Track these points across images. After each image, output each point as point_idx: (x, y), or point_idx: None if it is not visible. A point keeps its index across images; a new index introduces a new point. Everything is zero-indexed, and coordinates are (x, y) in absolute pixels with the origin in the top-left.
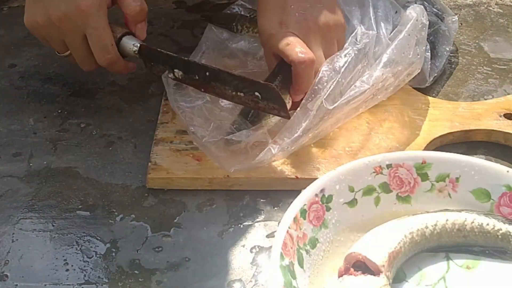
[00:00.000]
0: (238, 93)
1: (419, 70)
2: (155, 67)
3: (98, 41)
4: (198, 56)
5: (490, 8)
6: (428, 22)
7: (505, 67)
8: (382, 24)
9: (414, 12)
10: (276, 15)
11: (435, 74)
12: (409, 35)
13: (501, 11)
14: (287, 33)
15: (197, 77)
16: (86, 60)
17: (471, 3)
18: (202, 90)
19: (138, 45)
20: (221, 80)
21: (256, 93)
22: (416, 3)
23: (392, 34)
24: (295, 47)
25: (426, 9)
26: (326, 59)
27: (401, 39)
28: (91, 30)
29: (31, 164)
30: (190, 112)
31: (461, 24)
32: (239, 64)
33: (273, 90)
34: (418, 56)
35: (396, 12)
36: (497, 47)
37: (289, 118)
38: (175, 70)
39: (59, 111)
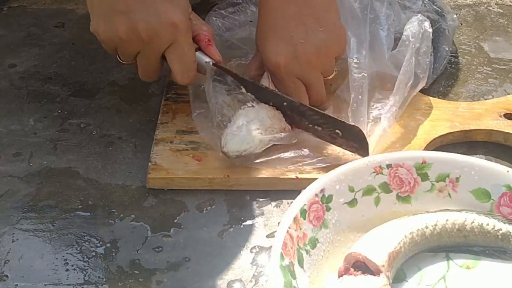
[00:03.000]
0: (316, 127)
1: (425, 83)
2: (222, 85)
3: (182, 58)
4: None
5: (490, 8)
6: (431, 30)
7: (505, 67)
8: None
9: (417, 25)
10: (279, 46)
11: (435, 75)
12: (413, 58)
13: (501, 11)
14: (291, 77)
15: (271, 104)
16: (153, 73)
17: (471, 3)
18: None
19: (211, 62)
20: (300, 112)
21: (337, 131)
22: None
23: (396, 50)
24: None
25: (426, 6)
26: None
27: (409, 64)
28: (177, 46)
29: (31, 164)
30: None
31: (461, 24)
32: (240, 54)
33: (360, 132)
34: (420, 72)
35: (390, 3)
36: (497, 47)
37: (367, 155)
38: (245, 92)
39: (59, 111)
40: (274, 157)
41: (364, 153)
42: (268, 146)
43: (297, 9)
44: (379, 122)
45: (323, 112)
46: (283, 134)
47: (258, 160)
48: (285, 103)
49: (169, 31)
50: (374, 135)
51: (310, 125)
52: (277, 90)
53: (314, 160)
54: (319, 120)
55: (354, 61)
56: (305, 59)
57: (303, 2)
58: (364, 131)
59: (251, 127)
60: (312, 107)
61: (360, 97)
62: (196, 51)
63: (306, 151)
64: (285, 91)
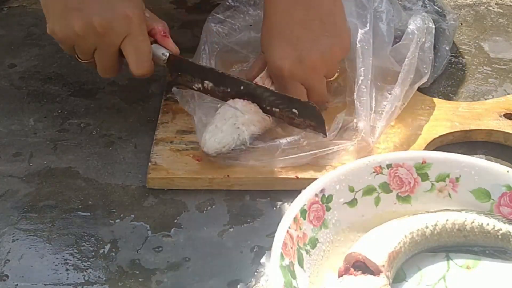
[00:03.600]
0: (273, 108)
1: (427, 78)
2: (182, 77)
3: (137, 49)
4: (201, 56)
5: (490, 8)
6: (434, 26)
7: (505, 67)
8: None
9: (420, 21)
10: (284, 51)
11: (435, 74)
12: (416, 54)
13: (501, 11)
14: (294, 82)
15: (229, 90)
16: (111, 69)
17: (471, 3)
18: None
19: (167, 54)
20: (257, 95)
21: (294, 110)
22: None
23: (399, 43)
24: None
25: (426, 7)
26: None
27: (413, 57)
28: (132, 38)
29: (31, 164)
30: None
31: (461, 24)
32: (242, 59)
33: (314, 108)
34: (425, 67)
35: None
36: (497, 47)
37: (326, 134)
38: (205, 81)
39: (59, 111)
40: (259, 147)
41: (321, 130)
42: (252, 139)
43: (304, 13)
44: (383, 115)
45: (278, 92)
46: (258, 125)
47: (247, 157)
48: (242, 87)
49: (123, 23)
50: (378, 128)
51: (268, 108)
52: (234, 75)
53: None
54: (276, 101)
55: (359, 50)
56: (309, 65)
57: (309, 6)
58: (368, 123)
59: (227, 124)
60: (268, 88)
61: (364, 89)
62: (152, 44)
63: (290, 139)
64: (286, 93)
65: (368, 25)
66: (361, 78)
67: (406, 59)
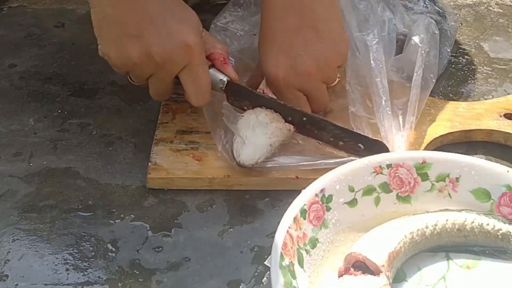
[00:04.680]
0: (339, 142)
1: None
2: (239, 102)
3: (196, 80)
4: None
5: (490, 8)
6: (438, 32)
7: (505, 67)
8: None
9: (424, 29)
10: (278, 59)
11: (437, 75)
12: (422, 67)
13: (501, 11)
14: (291, 89)
15: (290, 119)
16: (165, 93)
17: (471, 3)
18: (295, 130)
19: (226, 80)
20: (321, 127)
21: (359, 145)
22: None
23: (402, 54)
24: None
25: (427, 7)
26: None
27: (420, 73)
28: (192, 69)
29: (31, 164)
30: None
31: (461, 24)
32: (245, 68)
33: (383, 145)
34: (432, 76)
35: None
36: (497, 47)
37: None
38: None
39: (59, 111)
40: (279, 159)
41: None
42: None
43: (298, 20)
44: (403, 131)
45: (343, 127)
46: (285, 134)
47: (270, 164)
48: (304, 118)
49: (183, 54)
50: (400, 147)
51: (332, 139)
52: (295, 106)
53: (317, 162)
54: (341, 134)
55: (375, 69)
56: (303, 71)
57: (304, 14)
58: (392, 142)
59: (258, 134)
60: (332, 122)
61: (388, 111)
62: (210, 68)
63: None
64: (286, 102)
65: (376, 41)
66: (383, 98)
67: (414, 75)
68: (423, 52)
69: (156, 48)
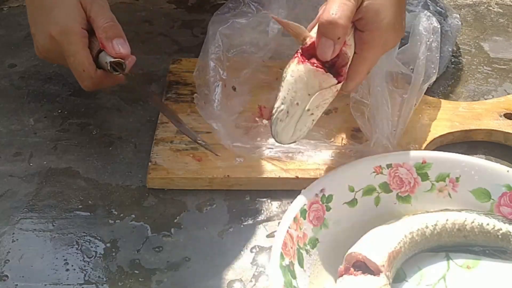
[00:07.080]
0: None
1: (435, 77)
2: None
3: (73, 65)
4: (206, 58)
5: (490, 8)
6: (439, 26)
7: (505, 67)
8: None
9: (426, 20)
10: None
11: (438, 74)
12: (425, 55)
13: (501, 11)
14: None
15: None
16: (87, 80)
17: (471, 3)
18: None
19: (109, 63)
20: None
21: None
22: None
23: (406, 46)
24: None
25: (429, 8)
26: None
27: (423, 58)
28: (66, 54)
29: (31, 164)
30: None
31: (461, 24)
32: (247, 62)
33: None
34: (433, 66)
35: None
36: (497, 47)
37: None
38: None
39: (59, 111)
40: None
41: None
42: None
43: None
44: (400, 118)
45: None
46: (329, 100)
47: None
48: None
49: (53, 44)
50: (397, 132)
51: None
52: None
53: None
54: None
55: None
56: (399, 28)
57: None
58: (389, 129)
59: (298, 111)
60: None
61: (380, 94)
62: (101, 52)
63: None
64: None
65: None
66: (378, 88)
67: (417, 61)
68: (427, 40)
69: (39, 44)
